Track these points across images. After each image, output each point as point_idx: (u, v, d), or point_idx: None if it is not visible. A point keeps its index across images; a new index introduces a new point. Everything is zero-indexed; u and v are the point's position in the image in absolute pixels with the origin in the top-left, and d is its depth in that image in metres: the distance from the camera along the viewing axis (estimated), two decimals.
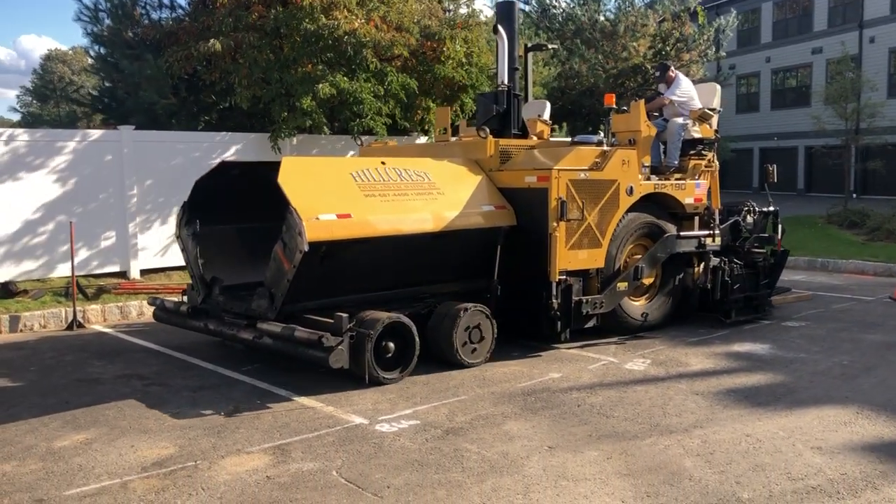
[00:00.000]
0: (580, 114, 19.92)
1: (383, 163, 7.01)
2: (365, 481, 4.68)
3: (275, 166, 6.32)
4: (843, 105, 21.63)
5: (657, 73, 9.74)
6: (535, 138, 8.28)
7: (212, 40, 11.50)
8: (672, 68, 9.61)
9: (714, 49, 21.10)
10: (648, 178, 8.43)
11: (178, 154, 11.78)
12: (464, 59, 13.75)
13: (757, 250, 9.57)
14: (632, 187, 8.00)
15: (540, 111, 9.90)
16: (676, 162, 9.00)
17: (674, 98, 9.13)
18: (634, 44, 19.61)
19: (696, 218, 8.91)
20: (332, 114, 12.62)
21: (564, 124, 20.83)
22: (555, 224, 7.30)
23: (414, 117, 13.91)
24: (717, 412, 5.99)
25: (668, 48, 19.65)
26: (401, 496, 4.47)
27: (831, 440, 5.34)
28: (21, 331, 9.45)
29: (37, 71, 14.61)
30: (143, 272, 11.52)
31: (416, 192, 6.95)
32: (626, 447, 5.25)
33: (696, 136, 9.22)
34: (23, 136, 10.69)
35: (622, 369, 7.27)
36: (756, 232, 9.74)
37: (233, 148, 12.28)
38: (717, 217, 9.06)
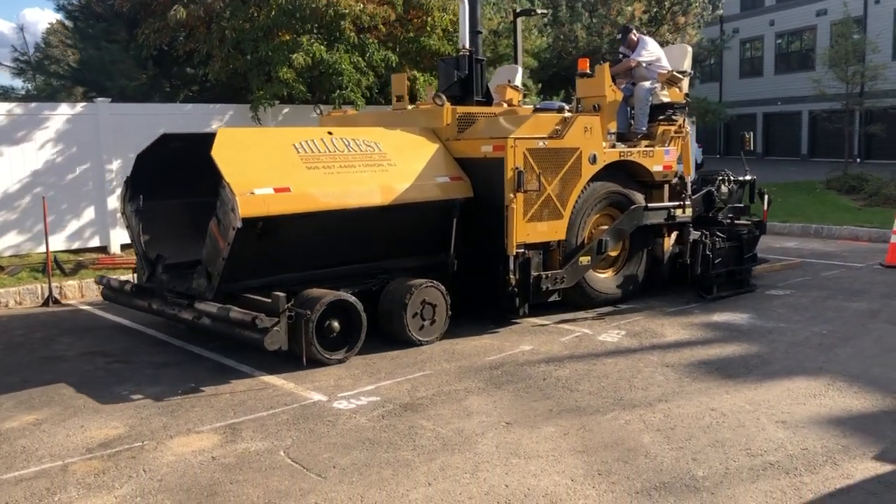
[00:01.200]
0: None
1: (330, 133, 6.76)
2: (311, 461, 4.57)
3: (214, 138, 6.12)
4: (845, 68, 21.20)
5: (619, 36, 9.43)
6: (505, 105, 7.99)
7: (176, 6, 11.24)
8: (634, 31, 9.27)
9: (710, 10, 20.64)
10: (614, 146, 8.14)
11: (157, 127, 11.30)
12: (451, 28, 13.48)
13: (741, 222, 9.25)
14: (595, 155, 7.71)
15: (510, 77, 9.57)
16: (645, 128, 8.71)
17: (640, 59, 8.83)
18: (630, 7, 19.24)
19: (666, 187, 8.62)
20: (313, 85, 12.40)
21: (562, 92, 20.53)
22: (511, 195, 7.03)
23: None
24: (684, 385, 5.84)
25: (663, 11, 19.27)
26: (345, 476, 4.35)
27: (797, 413, 5.20)
28: None
29: (13, 45, 14.52)
30: (124, 247, 11.40)
31: (364, 163, 6.70)
32: (586, 422, 5.12)
33: (665, 100, 8.91)
34: None
35: (595, 341, 7.13)
36: (732, 202, 9.47)
37: (215, 120, 12.09)
38: (689, 187, 8.79)
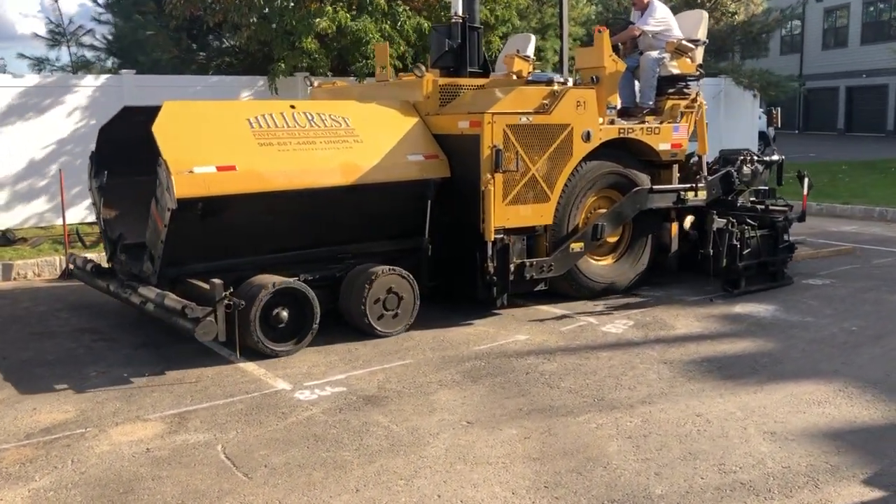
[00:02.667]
0: None
1: (293, 107, 6.35)
2: (245, 458, 4.30)
3: None
4: None
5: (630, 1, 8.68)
6: (514, 77, 7.44)
7: None
8: None
9: None
10: (613, 122, 7.47)
11: (183, 99, 11.49)
12: None
13: (776, 207, 8.36)
14: (589, 132, 7.08)
15: (522, 46, 8.95)
16: (652, 102, 8.00)
17: (646, 28, 8.09)
18: None
19: (675, 167, 7.90)
20: (340, 55, 12.08)
21: None
22: (488, 176, 6.46)
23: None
24: (676, 385, 5.35)
25: None
26: (271, 477, 4.07)
27: (792, 423, 4.67)
28: (15, 279, 9.42)
29: (48, 17, 14.63)
30: None
31: (326, 140, 6.27)
32: (553, 425, 4.71)
33: (675, 72, 8.17)
34: (23, 80, 10.59)
35: (597, 332, 6.66)
36: (756, 184, 8.63)
37: (243, 92, 11.92)
38: (705, 167, 8.05)
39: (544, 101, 6.90)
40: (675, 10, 18.78)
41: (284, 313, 5.94)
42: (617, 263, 7.82)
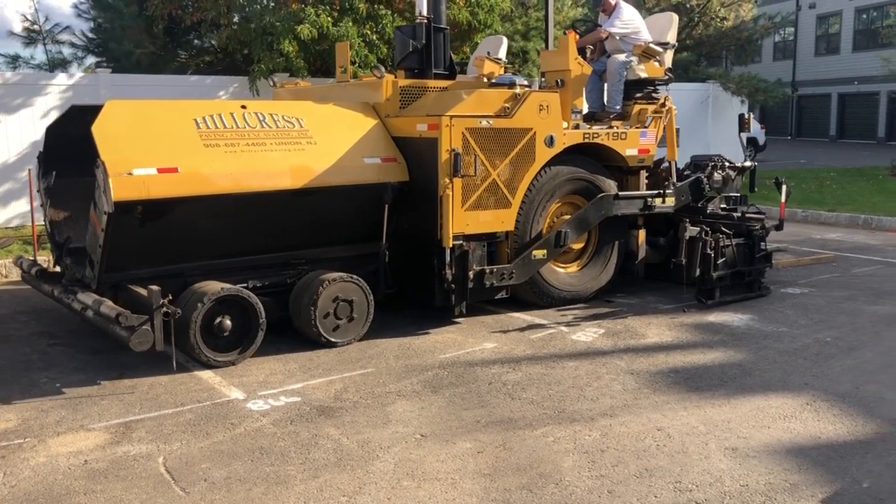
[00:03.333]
0: None
1: (244, 107, 6.16)
2: (185, 472, 4.14)
3: None
4: None
5: (592, 6, 8.48)
6: (485, 80, 7.29)
7: None
8: None
9: None
10: (577, 126, 7.31)
11: (160, 98, 11.32)
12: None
13: (753, 215, 8.15)
14: (552, 137, 6.89)
15: (494, 48, 8.78)
16: (619, 107, 7.84)
17: (612, 31, 7.91)
18: None
19: (643, 173, 7.74)
20: (322, 58, 11.93)
21: None
22: (447, 180, 6.26)
23: None
24: (641, 397, 5.21)
25: None
26: (209, 493, 3.91)
27: (755, 439, 4.52)
28: None
29: (24, 14, 14.41)
30: None
31: (277, 141, 6.08)
32: (509, 438, 4.56)
33: (643, 75, 7.99)
34: None
35: (566, 340, 6.51)
36: (727, 191, 8.44)
37: (221, 92, 11.76)
38: (674, 173, 7.87)
39: (506, 105, 6.74)
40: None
41: (228, 322, 5.72)
42: (582, 271, 7.63)
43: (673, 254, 7.61)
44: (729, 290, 7.69)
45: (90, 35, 13.75)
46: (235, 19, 12.00)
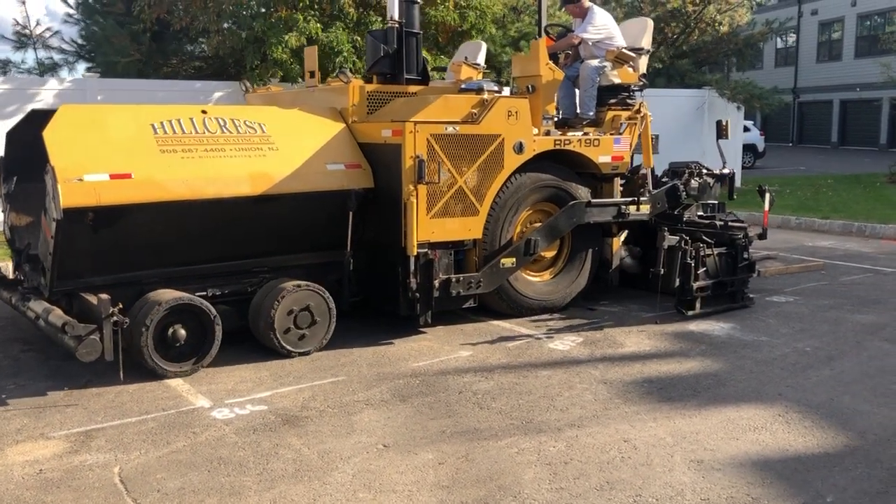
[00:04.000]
0: None
1: (204, 112, 6.08)
2: (140, 482, 4.08)
3: None
4: None
5: (563, 6, 8.30)
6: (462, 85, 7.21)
7: None
8: None
9: None
10: (548, 133, 7.20)
11: (148, 104, 11.32)
12: (462, 2, 12.79)
13: (735, 224, 7.99)
14: (521, 143, 6.76)
15: (470, 54, 8.70)
16: (592, 113, 7.72)
17: (585, 36, 7.79)
18: None
19: (617, 180, 7.63)
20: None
21: None
22: (411, 187, 6.19)
23: None
24: (612, 408, 5.14)
25: None
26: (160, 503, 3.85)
27: (722, 451, 4.45)
28: None
29: (14, 18, 14.38)
30: None
31: (237, 147, 5.93)
32: (472, 449, 4.49)
33: (616, 81, 7.88)
34: None
35: (543, 348, 6.45)
36: (705, 198, 8.29)
37: (214, 96, 11.75)
38: (650, 180, 7.75)
39: (473, 111, 6.64)
40: (659, 21, 18.71)
41: (182, 331, 5.62)
42: (555, 279, 7.50)
43: (650, 262, 7.49)
44: (711, 301, 7.52)
45: (78, 41, 13.78)
46: (225, 26, 11.97)
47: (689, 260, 7.18)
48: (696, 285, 7.29)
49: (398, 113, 6.65)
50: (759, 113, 28.40)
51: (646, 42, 8.20)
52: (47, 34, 13.66)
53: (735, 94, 16.97)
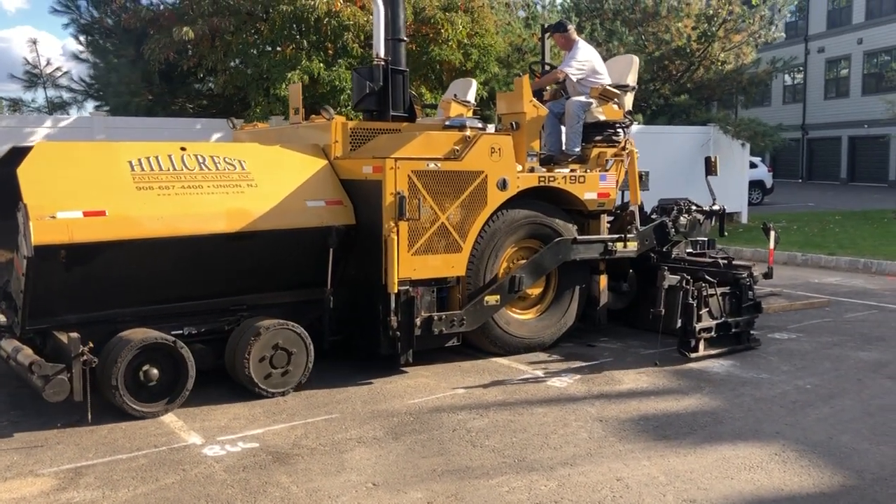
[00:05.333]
0: None
1: (183, 149, 6.03)
2: None
3: None
4: None
5: (548, 35, 8.14)
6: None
7: (185, 28, 11.06)
8: (572, 29, 8.03)
9: (770, 29, 19.42)
10: (532, 170, 7.14)
11: (152, 141, 11.46)
12: (466, 41, 12.94)
13: (740, 263, 7.89)
14: (505, 180, 6.71)
15: (460, 91, 8.60)
16: (578, 149, 7.66)
17: (568, 71, 7.77)
18: (679, 24, 18.26)
19: (604, 216, 7.56)
20: (316, 101, 12.04)
21: None
22: (392, 224, 6.13)
23: None
24: (606, 446, 5.08)
25: (713, 28, 18.19)
26: None
27: (716, 490, 4.39)
28: None
29: (25, 58, 14.59)
30: None
31: (216, 184, 5.89)
32: (463, 488, 4.44)
33: (601, 118, 7.83)
34: None
35: (540, 385, 6.40)
36: (694, 235, 8.17)
37: (215, 135, 11.88)
38: (637, 217, 7.67)
39: (455, 147, 6.58)
40: (663, 59, 18.81)
41: (155, 371, 5.53)
42: (541, 317, 7.39)
43: (639, 300, 7.39)
44: (715, 343, 7.31)
45: (87, 80, 14.04)
46: (232, 64, 12.16)
47: (690, 300, 7.02)
48: (698, 326, 7.08)
49: (381, 149, 6.62)
50: (766, 150, 28.48)
51: (631, 79, 8.17)
52: (58, 73, 13.95)
53: (739, 131, 17.01)
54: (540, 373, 6.76)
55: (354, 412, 5.76)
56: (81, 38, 13.64)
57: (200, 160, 6.02)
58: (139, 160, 5.77)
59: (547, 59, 13.47)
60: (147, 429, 5.41)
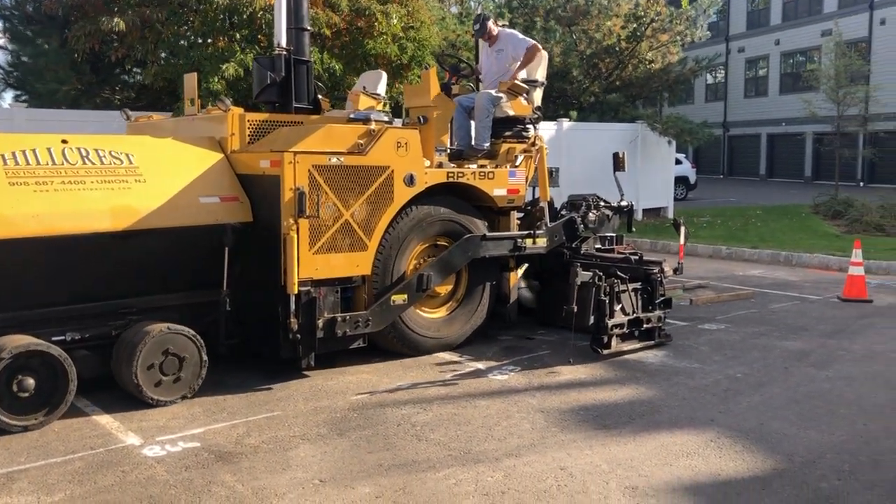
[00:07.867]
0: (549, 97, 18.98)
1: (65, 142, 5.59)
2: None
3: None
4: (836, 89, 20.42)
5: (476, 27, 8.06)
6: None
7: (116, 19, 10.72)
8: (493, 21, 7.93)
9: (696, 29, 19.97)
10: (440, 165, 7.03)
11: (77, 133, 11.09)
12: (401, 34, 12.91)
13: (650, 259, 7.90)
14: (412, 176, 6.51)
15: (369, 83, 8.20)
16: (487, 144, 7.58)
17: (519, 75, 7.80)
18: (609, 23, 18.61)
19: (514, 213, 7.53)
20: (249, 94, 11.85)
21: None
22: (291, 221, 5.81)
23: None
24: (549, 436, 5.17)
25: (642, 28, 18.61)
26: None
27: (656, 477, 4.52)
28: None
29: None
30: None
31: (99, 179, 5.53)
32: (410, 482, 4.46)
33: (510, 113, 7.72)
34: None
35: (482, 379, 6.46)
36: (603, 231, 8.24)
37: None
38: (547, 213, 7.69)
39: (359, 141, 6.34)
40: (594, 57, 19.09)
41: (31, 380, 5.14)
42: (451, 315, 7.24)
43: (551, 297, 7.34)
44: (628, 338, 7.31)
45: (7, 68, 13.47)
46: (162, 55, 11.86)
47: (603, 297, 6.98)
48: (611, 323, 7.04)
49: (280, 143, 6.31)
50: (690, 146, 29.27)
51: (541, 74, 8.13)
52: None
53: (666, 128, 17.45)
54: (481, 366, 6.83)
55: (296, 409, 5.71)
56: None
57: (83, 154, 5.64)
58: (13, 153, 5.38)
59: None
60: (82, 430, 5.25)
